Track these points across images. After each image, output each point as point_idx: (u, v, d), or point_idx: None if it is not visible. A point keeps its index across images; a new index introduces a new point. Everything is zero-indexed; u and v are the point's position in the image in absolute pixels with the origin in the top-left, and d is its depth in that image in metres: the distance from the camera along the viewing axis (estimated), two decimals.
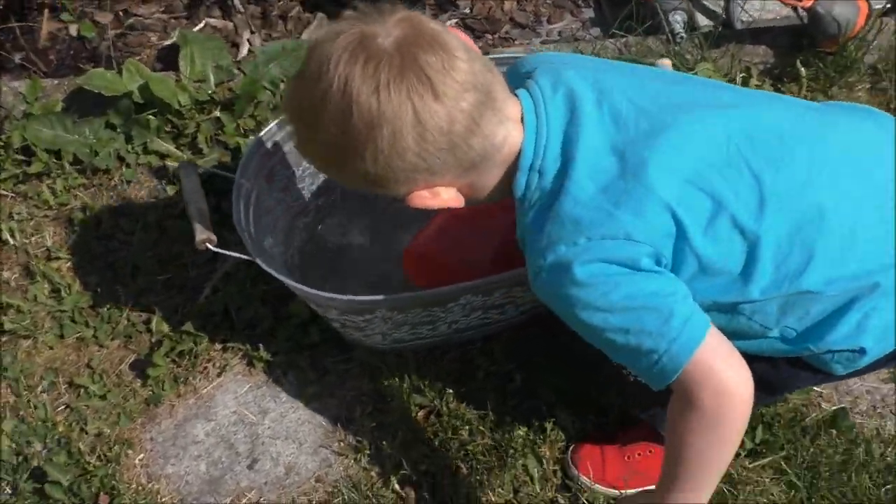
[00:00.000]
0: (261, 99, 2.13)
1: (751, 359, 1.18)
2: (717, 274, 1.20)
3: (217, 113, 2.13)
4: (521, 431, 1.79)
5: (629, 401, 1.66)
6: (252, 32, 2.35)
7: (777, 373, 1.28)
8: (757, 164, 1.19)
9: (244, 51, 2.32)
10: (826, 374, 1.31)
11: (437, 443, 1.78)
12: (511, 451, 1.76)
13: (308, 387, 1.86)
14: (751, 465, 1.76)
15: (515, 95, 1.27)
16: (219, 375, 1.88)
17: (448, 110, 1.14)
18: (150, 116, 2.09)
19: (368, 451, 1.78)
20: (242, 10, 2.37)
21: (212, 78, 2.17)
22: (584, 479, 1.75)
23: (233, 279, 1.95)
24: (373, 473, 1.77)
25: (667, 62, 1.71)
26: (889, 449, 1.83)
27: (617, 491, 1.74)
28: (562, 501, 1.75)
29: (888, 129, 1.31)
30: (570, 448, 1.78)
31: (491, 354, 1.88)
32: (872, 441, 1.83)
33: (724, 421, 1.14)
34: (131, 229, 2.04)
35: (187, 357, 1.87)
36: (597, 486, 1.74)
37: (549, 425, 1.78)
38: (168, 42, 2.31)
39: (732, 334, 1.19)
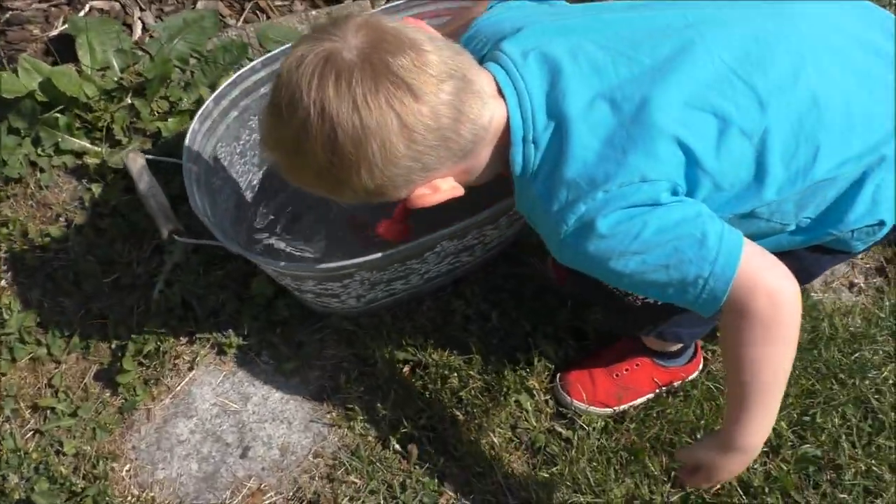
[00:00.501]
0: (172, 78, 2.02)
1: None
2: (731, 186, 1.20)
3: (128, 100, 2.01)
4: (508, 369, 1.79)
5: (631, 323, 1.68)
6: (142, 10, 2.22)
7: (799, 262, 1.30)
8: (744, 71, 1.20)
9: (138, 30, 2.19)
10: (845, 254, 1.34)
11: (428, 395, 1.77)
12: (503, 389, 1.77)
13: (285, 363, 1.81)
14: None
15: (486, 69, 1.25)
16: (190, 370, 1.81)
17: (431, 107, 1.14)
18: (58, 114, 1.96)
19: (361, 417, 1.76)
20: None
21: (115, 64, 2.04)
22: (577, 403, 1.77)
23: (184, 268, 1.87)
24: (370, 438, 1.74)
25: None
26: (849, 318, 1.92)
27: (611, 409, 1.77)
28: (559, 429, 1.76)
29: (848, 5, 1.33)
30: (558, 376, 1.79)
31: (464, 297, 1.87)
32: (834, 315, 1.91)
33: (783, 321, 1.15)
34: (63, 235, 1.92)
35: (154, 357, 1.79)
36: (591, 407, 1.77)
37: (535, 357, 1.79)
38: (54, 33, 2.16)
39: (751, 238, 1.21)
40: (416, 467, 1.71)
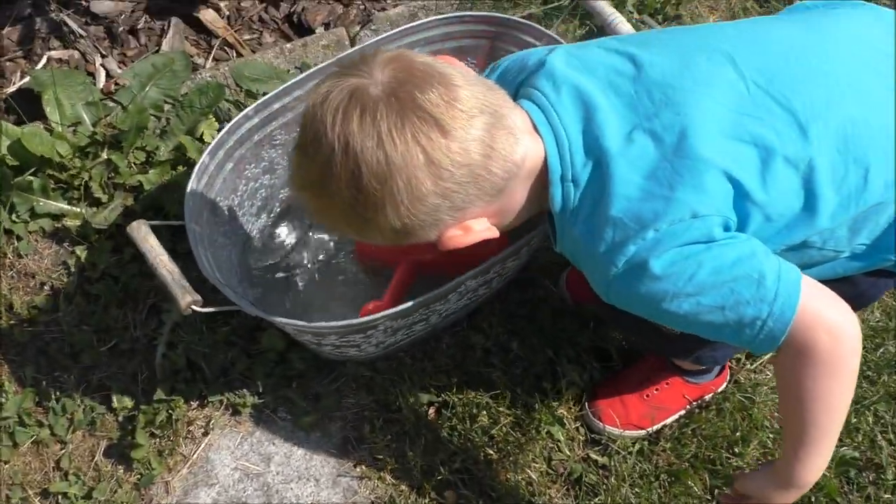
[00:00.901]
0: (148, 127, 1.92)
1: (828, 284, 1.16)
2: (781, 217, 1.15)
3: (104, 154, 1.90)
4: (535, 400, 1.74)
5: (669, 350, 1.63)
6: (104, 56, 2.10)
7: (856, 288, 1.27)
8: (780, 93, 1.16)
9: (102, 78, 2.08)
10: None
11: (458, 437, 1.71)
12: (534, 422, 1.71)
13: (304, 418, 1.73)
14: None
15: (520, 106, 1.20)
16: (206, 435, 1.72)
17: (460, 143, 1.08)
18: (31, 177, 1.84)
19: (392, 466, 1.69)
20: (84, 33, 2.12)
21: (86, 118, 1.93)
22: (610, 428, 1.72)
23: (186, 328, 1.77)
24: (403, 487, 1.67)
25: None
26: (867, 314, 1.90)
27: (645, 430, 1.73)
28: (594, 456, 1.72)
29: (870, 15, 1.30)
30: (587, 403, 1.74)
31: (481, 329, 1.81)
32: None
33: (844, 356, 1.11)
34: (51, 305, 1.81)
35: (167, 426, 1.69)
36: (625, 431, 1.72)
37: (562, 385, 1.74)
38: (12, 89, 2.04)
39: (804, 267, 1.16)
40: None
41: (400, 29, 1.67)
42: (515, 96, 1.24)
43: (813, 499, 1.64)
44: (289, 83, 1.62)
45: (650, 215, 1.11)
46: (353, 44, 2.13)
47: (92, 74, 2.08)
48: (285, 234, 1.85)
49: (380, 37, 1.66)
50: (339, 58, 1.17)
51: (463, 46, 1.74)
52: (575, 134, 1.17)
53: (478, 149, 1.10)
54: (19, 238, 1.87)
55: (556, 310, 1.84)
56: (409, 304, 1.43)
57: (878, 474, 1.70)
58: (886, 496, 1.67)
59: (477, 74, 1.18)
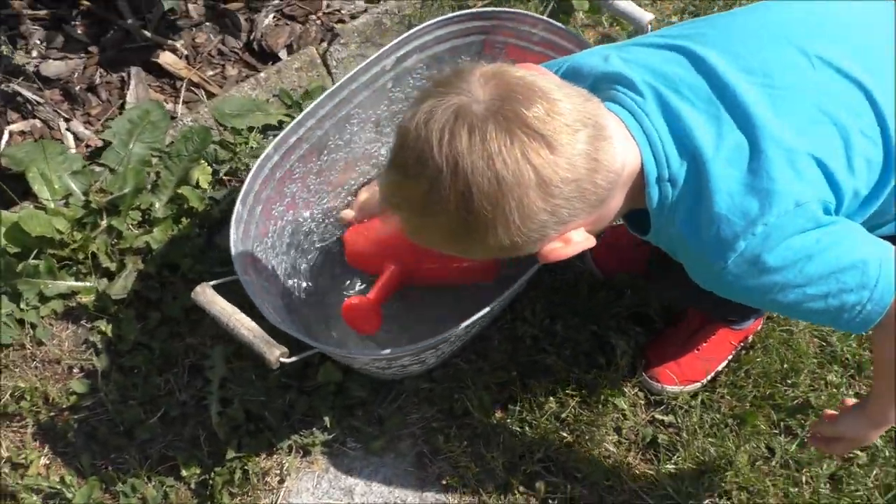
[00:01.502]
0: (142, 185, 1.86)
1: None
2: (867, 187, 1.19)
3: (104, 222, 1.84)
4: (592, 375, 1.77)
5: (725, 313, 1.70)
6: (67, 120, 2.02)
7: None
8: (841, 64, 1.19)
9: (72, 143, 2.00)
10: None
11: (530, 428, 1.73)
12: (599, 397, 1.75)
13: (373, 442, 1.72)
14: None
15: (612, 112, 1.19)
16: (282, 483, 1.69)
17: (567, 158, 1.06)
18: (34, 261, 1.77)
19: (474, 471, 1.70)
20: (40, 99, 2.03)
21: (76, 188, 1.86)
22: (669, 387, 1.77)
23: (234, 380, 1.74)
24: (490, 488, 1.69)
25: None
26: None
27: (701, 382, 1.78)
28: (660, 416, 1.76)
29: None
30: (641, 368, 1.79)
31: (525, 319, 1.83)
32: None
33: None
34: (89, 388, 1.75)
35: (243, 483, 1.66)
36: (685, 387, 1.77)
37: (618, 356, 1.77)
38: None
39: (884, 225, 1.24)
40: (549, 501, 1.68)
41: (394, 42, 1.66)
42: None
43: None
44: (302, 115, 1.60)
45: (756, 209, 1.13)
46: (325, 62, 2.10)
47: (60, 141, 1.99)
48: (315, 267, 1.84)
49: (379, 52, 1.65)
50: (434, 77, 1.13)
51: (456, 46, 1.74)
52: (667, 135, 1.17)
53: (584, 163, 1.08)
54: (34, 326, 1.80)
55: (590, 286, 1.86)
56: (487, 309, 1.43)
57: None
58: None
59: (570, 84, 1.15)
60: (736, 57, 1.20)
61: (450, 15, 1.69)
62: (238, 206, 1.53)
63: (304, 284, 1.81)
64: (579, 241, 1.16)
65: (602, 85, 1.24)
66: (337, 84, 1.63)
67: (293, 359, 1.37)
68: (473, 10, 1.70)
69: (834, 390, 1.78)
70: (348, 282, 1.85)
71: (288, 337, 1.44)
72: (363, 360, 1.47)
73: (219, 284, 1.43)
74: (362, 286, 1.85)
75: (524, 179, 1.04)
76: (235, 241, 1.50)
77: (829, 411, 1.47)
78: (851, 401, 1.43)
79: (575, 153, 1.07)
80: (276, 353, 1.34)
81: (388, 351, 1.44)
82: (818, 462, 1.71)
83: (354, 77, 1.64)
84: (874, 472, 1.71)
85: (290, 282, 1.76)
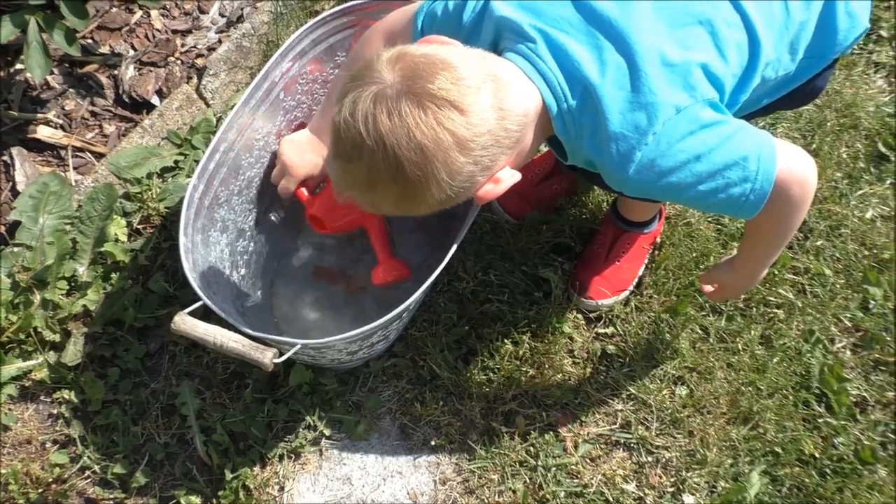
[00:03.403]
0: (65, 253, 1.89)
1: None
2: (741, 68, 1.37)
3: (37, 298, 1.85)
4: (534, 311, 1.91)
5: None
6: None
7: (811, 85, 1.54)
8: None
9: None
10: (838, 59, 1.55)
11: (494, 373, 1.86)
12: (546, 328, 1.89)
13: (357, 428, 1.81)
14: None
15: (507, 59, 1.33)
16: (282, 490, 1.76)
17: (477, 115, 1.22)
18: None
19: (456, 425, 1.82)
20: None
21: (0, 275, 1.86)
22: (603, 301, 1.93)
23: (209, 409, 1.80)
24: (474, 436, 1.81)
25: None
26: None
27: (629, 289, 1.96)
28: (602, 330, 1.93)
29: None
30: (576, 290, 1.94)
31: (461, 277, 1.95)
32: None
33: (809, 196, 1.39)
34: (68, 457, 1.77)
35: (245, 498, 1.72)
36: (616, 297, 1.94)
37: (551, 286, 1.92)
38: None
39: (767, 94, 1.44)
40: (530, 432, 1.81)
41: (276, 56, 1.74)
42: (495, 48, 1.38)
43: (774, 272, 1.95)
44: (214, 141, 1.66)
45: (644, 122, 1.28)
46: (201, 96, 2.16)
47: None
48: (263, 279, 1.93)
49: (265, 68, 1.73)
50: (349, 73, 1.26)
51: (332, 45, 1.84)
52: (558, 72, 1.32)
53: (492, 115, 1.23)
54: None
55: (508, 232, 2.00)
56: (430, 281, 1.55)
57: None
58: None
59: (463, 46, 1.30)
60: None
61: (319, 17, 1.79)
62: (182, 238, 1.58)
63: (257, 297, 1.89)
64: (507, 178, 1.33)
65: (502, 35, 1.38)
66: (237, 105, 1.70)
67: (282, 358, 1.45)
68: (340, 7, 1.80)
69: None
70: (294, 290, 1.95)
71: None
72: (339, 344, 1.55)
73: (190, 312, 1.49)
74: (306, 296, 1.94)
75: (443, 143, 1.20)
76: (189, 269, 1.56)
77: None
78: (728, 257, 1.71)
79: (482, 109, 1.23)
80: (268, 356, 1.42)
81: (360, 330, 1.53)
82: (746, 329, 1.91)
83: (251, 95, 1.71)
84: (794, 323, 1.93)
85: (245, 299, 1.82)
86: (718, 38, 1.34)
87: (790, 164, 1.35)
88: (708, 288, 1.75)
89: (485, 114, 1.23)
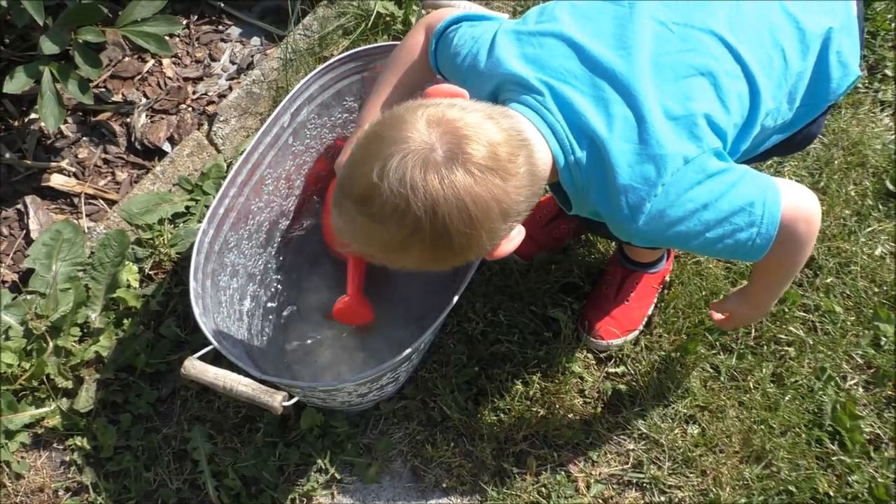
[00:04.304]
0: (80, 300, 1.91)
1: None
2: (743, 118, 1.39)
3: (50, 345, 1.87)
4: (544, 351, 1.92)
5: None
6: None
7: (806, 131, 1.57)
8: (697, 21, 1.38)
9: None
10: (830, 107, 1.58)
11: (505, 413, 1.86)
12: (557, 368, 1.89)
13: (368, 471, 1.81)
14: None
15: (517, 112, 1.34)
16: None
17: (516, 183, 1.21)
18: None
19: (468, 467, 1.82)
20: None
21: (13, 321, 1.88)
22: (613, 341, 1.93)
23: (220, 453, 1.80)
24: (486, 478, 1.80)
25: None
26: None
27: (639, 328, 1.96)
28: (613, 370, 1.92)
29: None
30: (585, 330, 1.94)
31: (470, 318, 1.95)
32: None
33: (814, 233, 1.41)
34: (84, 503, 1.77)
35: None
36: (625, 338, 1.94)
37: (561, 327, 1.92)
38: None
39: (764, 142, 1.47)
40: (542, 472, 1.80)
41: (284, 102, 1.77)
42: (499, 99, 1.40)
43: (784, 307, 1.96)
44: (224, 186, 1.68)
45: (653, 174, 1.30)
46: (212, 142, 2.20)
47: None
48: (271, 324, 1.93)
49: (275, 112, 1.76)
50: (373, 124, 1.24)
51: (339, 90, 1.87)
52: (565, 125, 1.33)
53: (528, 181, 1.24)
54: (8, 463, 1.81)
55: (517, 273, 2.01)
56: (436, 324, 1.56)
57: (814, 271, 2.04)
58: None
59: (487, 105, 1.28)
60: (603, 35, 1.38)
61: (327, 63, 1.82)
62: (192, 283, 1.60)
63: (269, 340, 1.90)
64: (516, 234, 1.32)
65: (505, 87, 1.39)
66: (246, 150, 1.73)
67: (292, 401, 1.46)
68: (348, 52, 1.83)
69: None
70: (306, 333, 1.96)
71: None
72: (349, 386, 1.56)
73: (200, 356, 1.50)
74: (318, 338, 1.95)
75: (492, 213, 1.20)
76: (199, 314, 1.57)
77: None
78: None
79: (521, 176, 1.23)
80: (278, 399, 1.43)
81: (370, 372, 1.54)
82: (758, 367, 1.91)
83: (260, 140, 1.74)
84: (805, 360, 1.92)
85: (256, 342, 1.84)
86: (720, 88, 1.36)
87: (794, 202, 1.36)
88: (718, 316, 1.78)
89: (523, 180, 1.23)
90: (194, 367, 1.46)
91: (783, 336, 1.94)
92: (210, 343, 1.53)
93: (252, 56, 2.43)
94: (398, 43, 1.73)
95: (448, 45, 1.50)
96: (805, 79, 1.46)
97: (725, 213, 1.33)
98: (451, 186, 1.16)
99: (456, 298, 1.60)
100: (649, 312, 1.98)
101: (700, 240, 1.35)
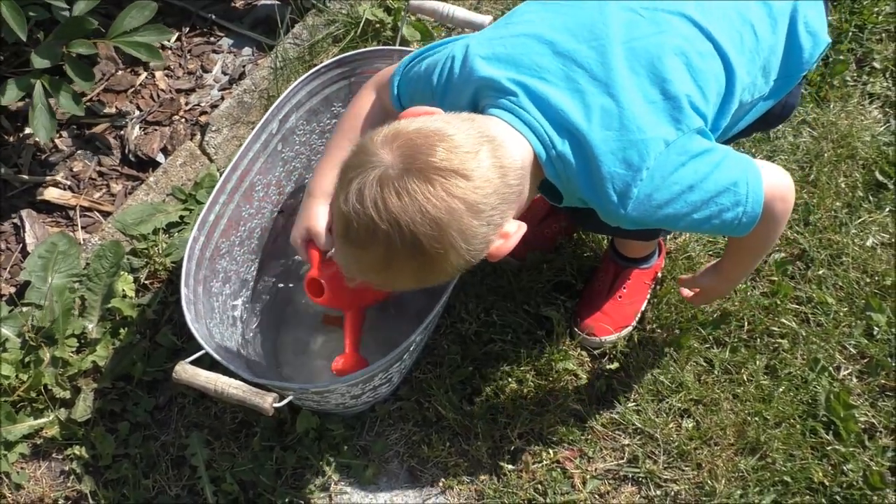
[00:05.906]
0: (76, 311, 1.93)
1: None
2: (719, 95, 1.41)
3: (47, 356, 1.88)
4: (537, 349, 1.93)
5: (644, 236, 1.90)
6: None
7: (784, 102, 1.59)
8: (667, 4, 1.41)
9: None
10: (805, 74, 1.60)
11: (500, 412, 1.87)
12: (550, 366, 1.90)
13: (365, 473, 1.82)
14: None
15: (493, 116, 1.37)
16: None
17: (481, 177, 1.23)
18: None
19: (464, 465, 1.83)
20: None
21: (10, 334, 1.90)
22: (606, 338, 1.94)
23: (218, 458, 1.82)
24: (483, 477, 1.82)
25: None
26: None
27: (631, 324, 1.97)
28: (607, 366, 1.93)
29: None
30: (577, 328, 1.95)
31: (463, 319, 1.96)
32: None
33: (789, 209, 1.45)
34: None
35: None
36: (619, 333, 1.95)
37: (554, 325, 1.93)
38: None
39: (746, 116, 1.49)
40: (536, 468, 1.81)
41: (272, 108, 1.79)
42: (477, 105, 1.42)
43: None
44: (214, 193, 1.70)
45: (636, 159, 1.32)
46: (204, 152, 2.22)
47: None
48: (262, 330, 1.94)
49: (263, 119, 1.78)
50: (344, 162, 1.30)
51: (327, 96, 1.88)
52: (543, 120, 1.35)
53: (494, 174, 1.26)
54: (7, 474, 1.82)
55: (509, 272, 2.03)
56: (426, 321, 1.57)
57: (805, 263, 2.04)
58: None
59: (449, 113, 1.33)
60: (574, 28, 1.40)
61: (314, 69, 1.84)
62: (183, 289, 1.62)
63: (263, 344, 1.91)
64: (514, 231, 1.34)
65: (481, 93, 1.41)
66: (236, 156, 1.74)
67: (283, 402, 1.47)
68: (335, 58, 1.85)
69: (743, 294, 2.00)
70: (299, 337, 1.97)
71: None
72: (341, 388, 1.57)
73: (192, 361, 1.52)
74: (310, 342, 1.97)
75: (456, 212, 1.22)
76: (191, 320, 1.59)
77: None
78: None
79: (484, 170, 1.25)
80: (268, 400, 1.44)
81: (360, 372, 1.55)
82: (751, 360, 1.91)
83: (248, 147, 1.76)
84: (798, 352, 1.93)
85: (250, 347, 1.85)
86: (694, 68, 1.38)
87: (772, 182, 1.40)
88: (687, 292, 1.81)
89: (488, 174, 1.25)
90: (185, 371, 1.47)
91: (776, 328, 1.95)
92: (202, 348, 1.54)
93: (243, 66, 2.45)
94: (385, 48, 1.76)
95: (417, 76, 1.51)
96: (778, 52, 1.49)
97: (711, 194, 1.35)
98: (407, 195, 1.19)
99: (445, 298, 1.61)
100: (642, 308, 1.99)
101: (688, 220, 1.38)
